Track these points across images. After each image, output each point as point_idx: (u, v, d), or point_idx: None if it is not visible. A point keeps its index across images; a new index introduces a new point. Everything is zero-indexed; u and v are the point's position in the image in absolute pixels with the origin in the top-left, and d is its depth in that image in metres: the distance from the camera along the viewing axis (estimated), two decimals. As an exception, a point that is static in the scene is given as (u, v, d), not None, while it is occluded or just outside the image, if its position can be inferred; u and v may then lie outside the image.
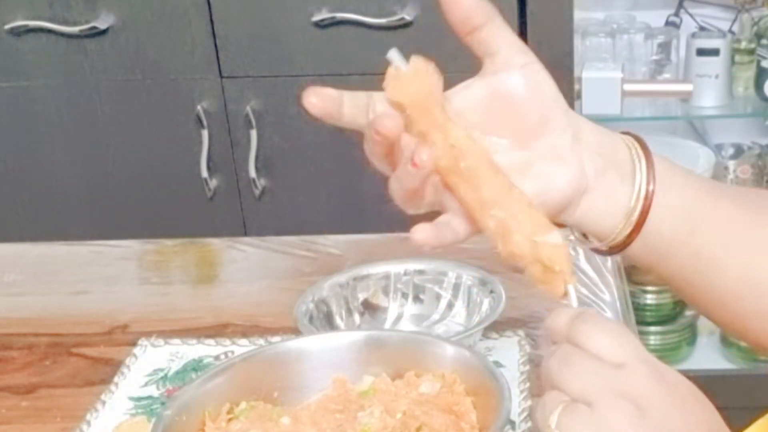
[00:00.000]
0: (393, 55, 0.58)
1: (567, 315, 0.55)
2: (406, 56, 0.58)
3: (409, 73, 0.58)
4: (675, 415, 0.52)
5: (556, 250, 0.57)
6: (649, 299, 1.95)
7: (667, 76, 1.87)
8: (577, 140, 0.61)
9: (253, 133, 1.70)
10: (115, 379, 0.90)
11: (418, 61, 0.59)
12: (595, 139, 0.63)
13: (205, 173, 1.72)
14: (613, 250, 0.65)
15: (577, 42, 1.79)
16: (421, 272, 0.96)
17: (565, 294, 0.57)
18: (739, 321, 0.66)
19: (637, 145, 0.64)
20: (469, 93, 0.61)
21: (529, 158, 0.61)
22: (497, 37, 0.60)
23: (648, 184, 0.63)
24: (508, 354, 0.89)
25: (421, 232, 0.59)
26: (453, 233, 0.60)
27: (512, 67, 0.60)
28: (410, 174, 0.58)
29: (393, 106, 0.59)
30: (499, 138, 0.60)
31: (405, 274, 0.96)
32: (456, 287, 0.94)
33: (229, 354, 0.92)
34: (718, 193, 0.65)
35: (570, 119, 0.62)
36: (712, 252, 0.64)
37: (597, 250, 0.67)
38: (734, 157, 1.99)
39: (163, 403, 0.84)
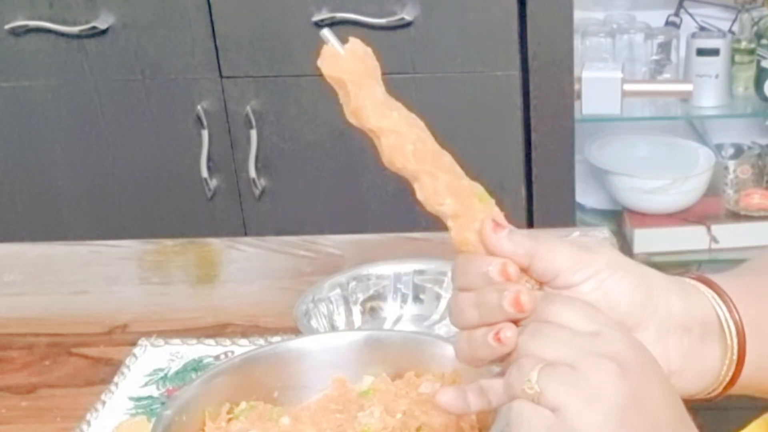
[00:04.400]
0: (327, 35, 0.56)
1: None
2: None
3: (346, 56, 0.56)
4: (653, 377, 0.52)
5: None
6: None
7: (667, 76, 1.87)
8: (663, 324, 0.58)
9: (253, 133, 1.70)
10: (115, 379, 0.90)
11: (355, 44, 0.56)
12: (681, 309, 0.58)
13: (205, 173, 1.72)
14: (700, 401, 0.62)
15: (577, 42, 1.78)
16: (421, 272, 0.95)
17: None
18: None
19: (721, 302, 0.59)
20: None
21: None
22: (551, 265, 0.56)
23: (740, 350, 0.59)
24: (508, 354, 0.89)
25: (445, 395, 0.58)
26: (486, 403, 0.57)
27: (575, 285, 0.56)
28: (490, 346, 0.55)
29: (331, 81, 0.56)
30: None
31: (405, 274, 0.96)
32: (456, 287, 0.94)
33: (229, 354, 0.92)
34: None
35: (654, 302, 0.57)
36: None
37: None
38: (734, 157, 1.99)
39: (163, 403, 0.84)
